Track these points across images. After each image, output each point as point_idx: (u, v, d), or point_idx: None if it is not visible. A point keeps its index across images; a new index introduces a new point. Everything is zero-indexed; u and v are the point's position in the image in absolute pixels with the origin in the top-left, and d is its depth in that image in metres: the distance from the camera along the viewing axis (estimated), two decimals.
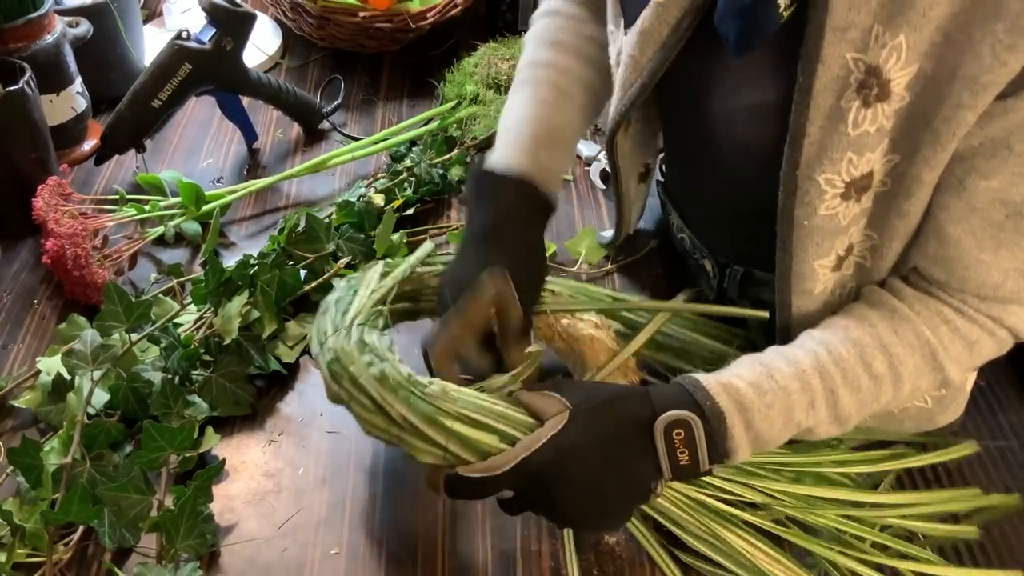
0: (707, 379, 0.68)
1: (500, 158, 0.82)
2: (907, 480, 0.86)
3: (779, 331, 0.78)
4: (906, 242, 0.71)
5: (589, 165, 1.22)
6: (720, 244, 0.92)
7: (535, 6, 0.94)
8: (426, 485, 0.69)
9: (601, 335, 0.85)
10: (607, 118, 0.85)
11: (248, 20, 1.12)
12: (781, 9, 0.62)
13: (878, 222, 0.71)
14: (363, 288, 0.80)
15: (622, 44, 0.78)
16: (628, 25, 0.75)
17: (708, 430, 0.66)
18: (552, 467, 0.65)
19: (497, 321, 0.76)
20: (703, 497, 0.75)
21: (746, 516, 0.75)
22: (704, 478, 0.73)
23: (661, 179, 1.06)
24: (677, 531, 0.76)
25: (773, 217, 0.72)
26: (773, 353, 0.71)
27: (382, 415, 0.69)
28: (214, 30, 1.09)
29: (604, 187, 1.19)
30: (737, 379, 0.68)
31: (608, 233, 1.07)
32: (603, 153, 1.21)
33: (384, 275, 0.82)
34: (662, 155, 1.03)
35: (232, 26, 1.10)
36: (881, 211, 0.70)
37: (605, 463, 0.66)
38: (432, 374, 0.73)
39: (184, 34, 1.09)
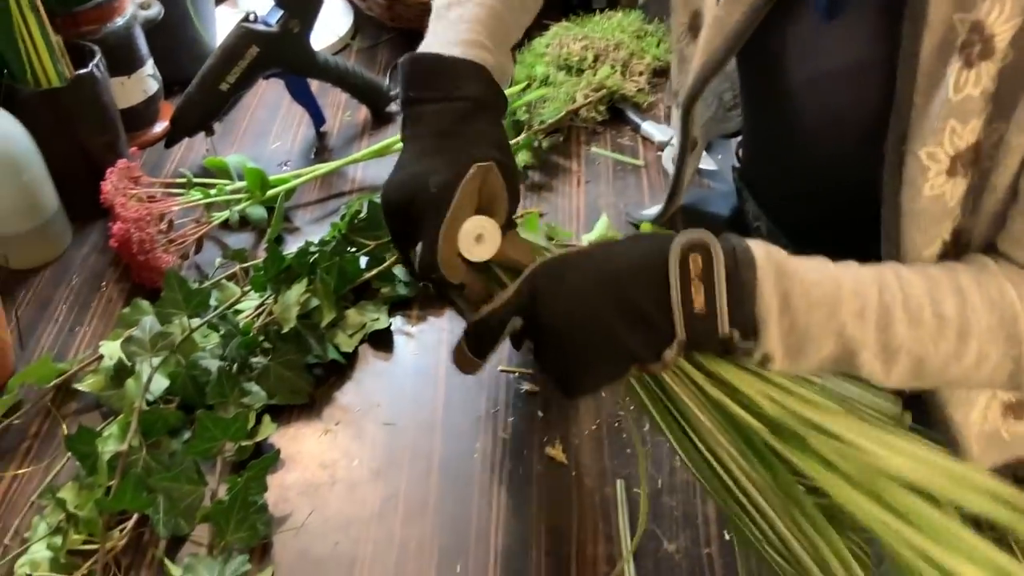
0: (750, 240, 0.60)
1: (455, 48, 0.72)
2: None
3: None
4: (990, 223, 0.64)
5: (662, 150, 1.17)
6: (800, 232, 0.87)
7: None
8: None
9: None
10: (672, 92, 0.80)
11: (315, 2, 1.11)
12: None
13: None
14: None
15: (700, 6, 0.73)
16: None
17: (730, 268, 0.57)
18: (551, 274, 0.60)
19: None
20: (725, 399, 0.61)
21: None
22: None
23: (737, 165, 1.01)
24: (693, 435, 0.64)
25: (860, 200, 0.66)
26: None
27: None
28: (281, 12, 1.08)
29: None
30: (784, 252, 0.60)
31: (652, 210, 1.00)
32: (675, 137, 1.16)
33: None
34: (738, 139, 0.98)
35: (299, 8, 1.09)
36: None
37: (607, 278, 0.59)
38: (436, 288, 0.69)
39: (251, 16, 1.08)
